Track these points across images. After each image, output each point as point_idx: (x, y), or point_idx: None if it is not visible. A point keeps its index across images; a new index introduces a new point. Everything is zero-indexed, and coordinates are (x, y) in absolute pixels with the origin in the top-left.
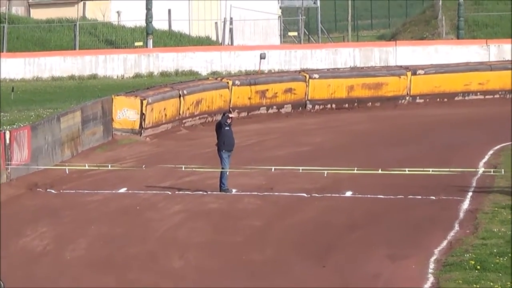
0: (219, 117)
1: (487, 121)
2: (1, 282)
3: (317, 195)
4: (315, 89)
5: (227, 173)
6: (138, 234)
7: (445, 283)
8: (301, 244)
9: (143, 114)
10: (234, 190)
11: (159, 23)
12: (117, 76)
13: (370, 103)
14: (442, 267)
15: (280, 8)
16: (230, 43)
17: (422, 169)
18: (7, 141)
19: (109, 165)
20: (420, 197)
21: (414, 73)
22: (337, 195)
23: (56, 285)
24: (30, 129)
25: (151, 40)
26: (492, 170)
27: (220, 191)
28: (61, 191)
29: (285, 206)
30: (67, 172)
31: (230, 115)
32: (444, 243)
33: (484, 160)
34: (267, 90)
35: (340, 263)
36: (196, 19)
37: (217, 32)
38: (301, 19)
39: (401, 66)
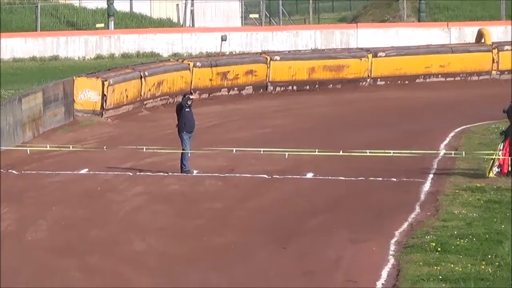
0: (180, 99)
1: (448, 104)
2: None
3: (278, 176)
4: (276, 71)
5: (188, 154)
6: (99, 217)
7: (406, 265)
8: (263, 228)
9: (105, 95)
10: (195, 171)
11: (121, 5)
12: (79, 58)
13: (331, 85)
14: (403, 249)
15: None
16: (191, 25)
17: (383, 151)
18: None
19: (71, 146)
20: (381, 179)
21: (375, 55)
22: (298, 177)
23: (16, 267)
24: None
25: (113, 22)
26: (453, 152)
27: (181, 172)
28: (22, 172)
29: (246, 188)
30: (28, 153)
31: (191, 97)
32: (405, 225)
33: (445, 142)
34: (228, 72)
35: (302, 247)
36: (157, 0)
37: (178, 14)
38: (262, 1)
39: (362, 48)
